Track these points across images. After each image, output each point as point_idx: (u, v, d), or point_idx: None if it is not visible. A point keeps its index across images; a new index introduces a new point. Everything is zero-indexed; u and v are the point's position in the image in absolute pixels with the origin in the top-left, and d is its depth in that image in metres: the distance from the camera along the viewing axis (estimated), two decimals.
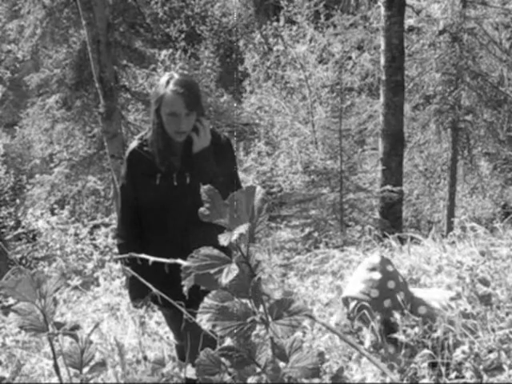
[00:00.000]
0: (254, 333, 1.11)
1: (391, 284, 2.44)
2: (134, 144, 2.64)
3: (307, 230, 8.67)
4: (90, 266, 5.79)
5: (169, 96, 2.45)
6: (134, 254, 2.06)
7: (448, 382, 1.53)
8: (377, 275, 2.45)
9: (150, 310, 2.91)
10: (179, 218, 2.52)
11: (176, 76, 2.50)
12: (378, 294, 2.42)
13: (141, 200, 2.61)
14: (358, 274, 2.53)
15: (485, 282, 2.06)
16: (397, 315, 2.04)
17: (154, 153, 2.56)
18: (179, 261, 1.55)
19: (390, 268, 2.49)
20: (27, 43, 11.82)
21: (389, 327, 2.43)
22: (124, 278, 4.83)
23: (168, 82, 2.47)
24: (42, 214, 11.93)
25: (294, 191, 12.75)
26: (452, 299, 2.02)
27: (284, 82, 18.12)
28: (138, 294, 2.61)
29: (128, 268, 2.43)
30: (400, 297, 2.43)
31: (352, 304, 2.49)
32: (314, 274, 4.98)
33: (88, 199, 13.77)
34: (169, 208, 2.53)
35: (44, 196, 12.34)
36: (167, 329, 3.08)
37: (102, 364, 1.35)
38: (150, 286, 1.78)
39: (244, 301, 1.13)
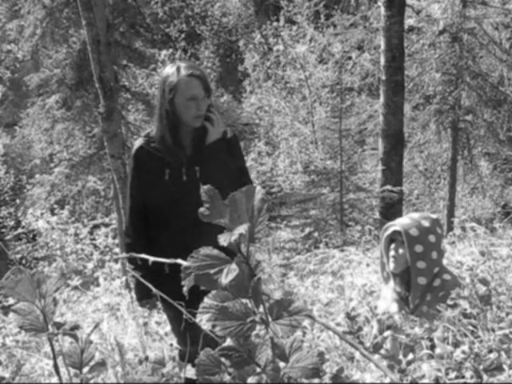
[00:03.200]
0: (254, 333, 1.11)
1: (432, 238, 2.50)
2: (140, 141, 2.60)
3: (307, 229, 8.67)
4: (90, 265, 5.78)
5: (186, 80, 2.42)
6: (135, 254, 2.05)
7: (448, 381, 1.53)
8: (426, 223, 2.52)
9: (155, 310, 2.90)
10: (188, 215, 2.47)
11: (183, 63, 2.49)
12: (417, 234, 2.48)
13: (149, 197, 2.57)
14: (412, 214, 2.63)
15: (485, 282, 2.06)
16: (396, 316, 2.04)
17: (161, 148, 2.53)
18: (179, 261, 1.55)
19: (439, 230, 2.55)
20: (27, 43, 11.81)
21: (408, 274, 2.49)
22: (124, 278, 4.83)
23: (179, 70, 2.45)
24: (42, 214, 11.95)
25: (294, 191, 12.75)
26: (452, 299, 2.02)
27: (284, 82, 18.12)
28: (144, 294, 2.60)
29: (131, 267, 2.42)
30: (433, 256, 2.48)
31: (388, 231, 2.55)
32: (314, 274, 4.98)
33: (88, 199, 13.76)
34: (177, 204, 2.50)
35: (44, 196, 12.33)
36: (167, 329, 3.08)
37: (102, 364, 1.35)
38: (150, 286, 1.78)
39: (244, 301, 1.13)
